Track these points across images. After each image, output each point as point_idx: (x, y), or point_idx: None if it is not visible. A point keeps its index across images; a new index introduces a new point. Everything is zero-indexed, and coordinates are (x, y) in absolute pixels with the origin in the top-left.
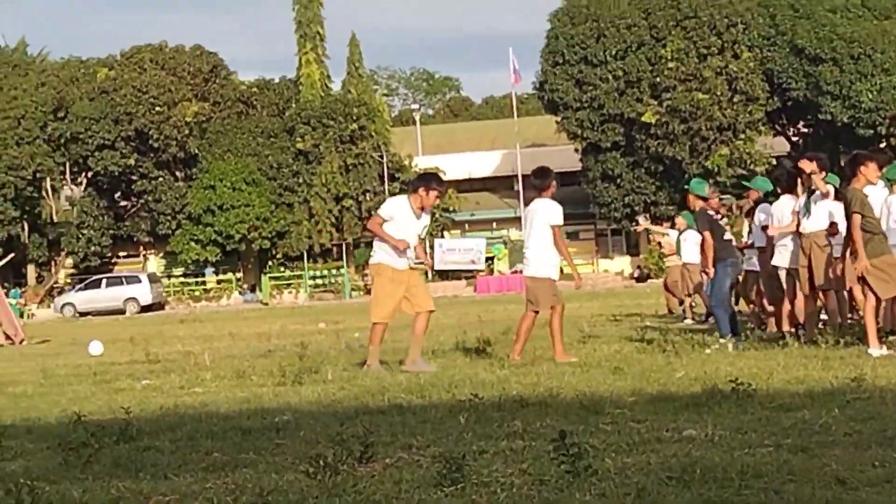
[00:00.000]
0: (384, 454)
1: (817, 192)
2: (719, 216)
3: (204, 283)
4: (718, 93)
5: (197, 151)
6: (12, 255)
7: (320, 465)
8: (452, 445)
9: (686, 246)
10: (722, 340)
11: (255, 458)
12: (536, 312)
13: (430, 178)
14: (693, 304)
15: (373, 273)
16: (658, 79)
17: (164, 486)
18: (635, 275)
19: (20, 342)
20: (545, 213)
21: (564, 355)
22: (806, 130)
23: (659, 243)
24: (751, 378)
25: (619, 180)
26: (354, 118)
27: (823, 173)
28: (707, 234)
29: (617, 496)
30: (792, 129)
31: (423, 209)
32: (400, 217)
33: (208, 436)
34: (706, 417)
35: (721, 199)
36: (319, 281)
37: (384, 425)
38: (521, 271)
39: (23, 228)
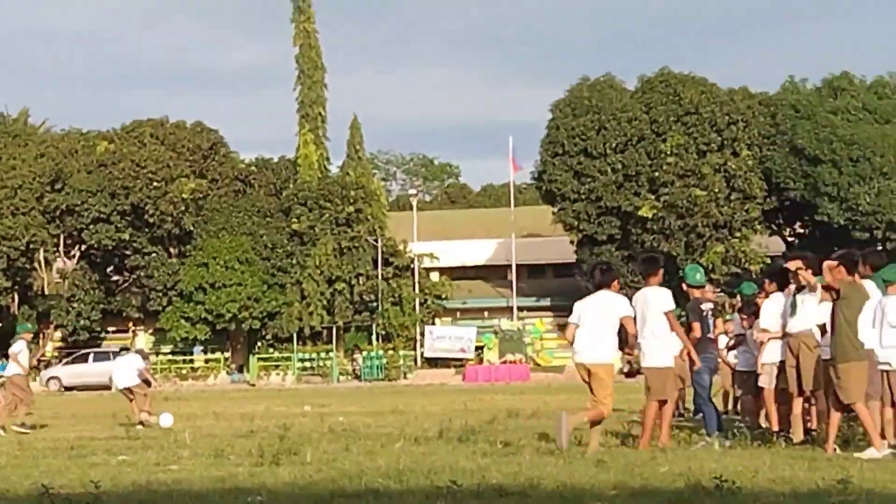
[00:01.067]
0: None
1: (805, 291)
2: (712, 306)
3: (192, 361)
4: (716, 190)
5: (192, 228)
6: (0, 325)
7: None
8: None
9: None
10: (708, 438)
11: None
12: (663, 402)
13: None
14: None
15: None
16: (657, 173)
17: None
18: (625, 370)
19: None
20: (658, 301)
21: (648, 446)
22: (802, 231)
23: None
24: (735, 476)
25: None
26: (351, 201)
27: (810, 272)
28: (696, 325)
29: None
30: (788, 230)
31: None
32: None
33: None
34: None
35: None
36: (308, 364)
37: None
38: (510, 361)
39: (13, 299)
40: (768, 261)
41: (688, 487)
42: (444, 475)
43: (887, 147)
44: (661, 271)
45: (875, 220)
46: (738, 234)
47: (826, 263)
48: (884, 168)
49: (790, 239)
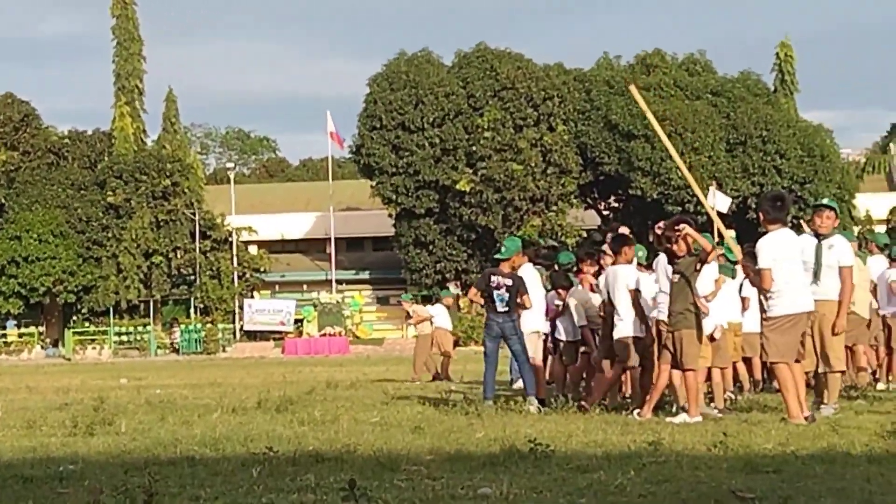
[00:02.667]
0: None
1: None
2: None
3: (5, 336)
4: (532, 164)
5: (3, 201)
6: None
7: None
8: (241, 498)
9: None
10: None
11: None
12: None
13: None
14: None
15: None
16: (474, 148)
17: None
18: None
19: None
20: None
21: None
22: (616, 205)
23: (407, 313)
24: (550, 440)
25: (431, 247)
26: (168, 174)
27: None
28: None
29: None
30: (603, 203)
31: None
32: None
33: None
34: (503, 477)
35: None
36: (125, 338)
37: (173, 476)
38: (329, 334)
39: None
40: (584, 234)
41: (503, 451)
42: (260, 442)
43: (697, 123)
44: (630, 250)
45: (686, 193)
46: (554, 208)
47: (689, 230)
48: (694, 143)
49: (605, 212)
